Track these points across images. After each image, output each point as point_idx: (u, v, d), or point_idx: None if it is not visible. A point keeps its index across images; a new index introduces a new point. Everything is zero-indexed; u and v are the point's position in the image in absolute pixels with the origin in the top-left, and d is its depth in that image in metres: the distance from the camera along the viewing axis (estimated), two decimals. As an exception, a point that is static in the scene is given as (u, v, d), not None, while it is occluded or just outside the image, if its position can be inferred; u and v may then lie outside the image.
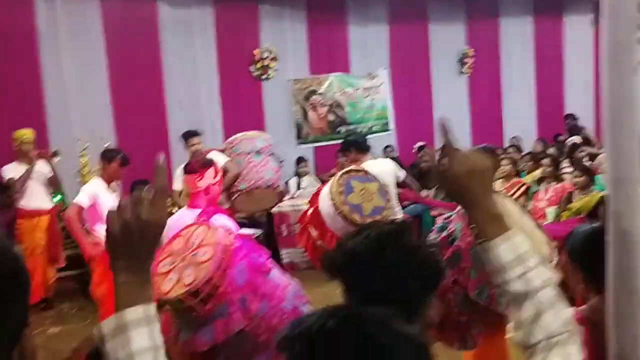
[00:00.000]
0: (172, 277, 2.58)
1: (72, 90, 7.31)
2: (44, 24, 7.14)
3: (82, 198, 4.63)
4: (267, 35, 8.49)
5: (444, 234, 2.70)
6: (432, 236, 2.76)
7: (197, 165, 3.36)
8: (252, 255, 2.80)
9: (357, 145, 5.16)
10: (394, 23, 9.36)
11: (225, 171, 5.41)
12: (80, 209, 4.61)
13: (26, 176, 5.71)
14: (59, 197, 6.55)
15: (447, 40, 9.84)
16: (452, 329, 2.66)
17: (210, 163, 3.35)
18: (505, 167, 6.55)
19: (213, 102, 8.21)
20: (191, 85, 8.03)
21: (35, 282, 5.78)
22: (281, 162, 6.37)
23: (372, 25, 9.25)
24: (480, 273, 2.50)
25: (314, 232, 4.12)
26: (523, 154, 7.63)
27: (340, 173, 3.89)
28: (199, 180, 3.23)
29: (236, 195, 5.50)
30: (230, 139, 5.91)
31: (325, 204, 3.84)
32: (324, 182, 8.25)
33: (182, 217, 3.30)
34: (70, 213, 4.65)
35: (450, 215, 2.87)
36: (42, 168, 5.88)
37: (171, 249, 2.75)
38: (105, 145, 6.47)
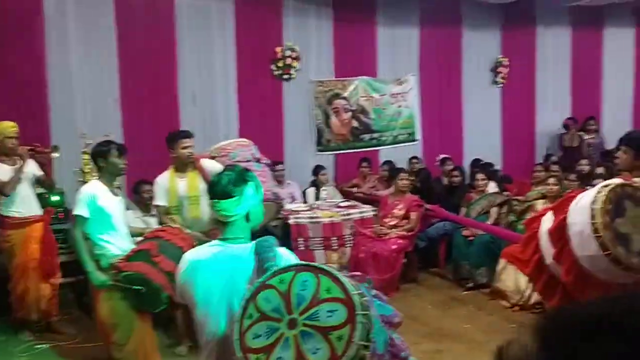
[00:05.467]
0: (283, 356, 1.85)
1: (79, 80, 6.75)
2: (52, 11, 6.60)
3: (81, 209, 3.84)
4: (290, 33, 7.90)
5: None
6: None
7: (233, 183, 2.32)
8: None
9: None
10: (425, 26, 8.75)
11: None
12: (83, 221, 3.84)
13: (16, 178, 4.89)
14: (56, 197, 5.98)
15: (481, 47, 9.22)
16: None
17: (247, 176, 2.33)
18: (553, 187, 5.92)
19: (230, 99, 7.61)
20: (207, 81, 7.45)
21: (29, 300, 5.03)
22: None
23: (402, 28, 8.64)
24: None
25: (548, 248, 3.25)
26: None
27: (612, 184, 3.00)
28: (237, 204, 2.28)
29: None
30: (221, 144, 5.23)
31: (579, 218, 3.01)
32: (345, 193, 7.79)
33: (224, 258, 2.27)
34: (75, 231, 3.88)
35: None
36: (30, 167, 5.04)
37: (259, 309, 1.95)
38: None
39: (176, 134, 4.83)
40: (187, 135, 4.80)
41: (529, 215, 6.25)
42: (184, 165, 4.73)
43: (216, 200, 2.29)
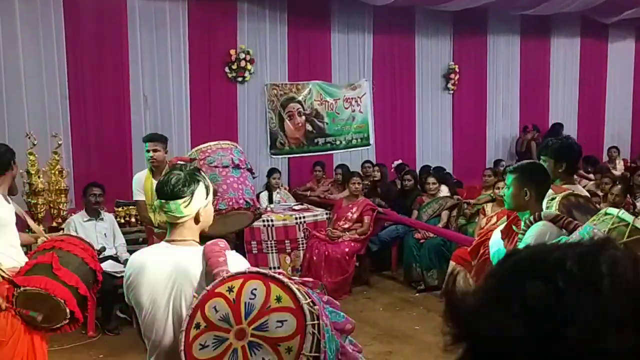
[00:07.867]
0: None
1: (27, 81, 6.53)
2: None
3: None
4: (244, 36, 7.87)
5: None
6: None
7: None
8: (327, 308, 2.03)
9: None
10: (378, 33, 8.85)
11: None
12: None
13: None
14: None
15: (433, 54, 9.40)
16: None
17: (197, 176, 2.27)
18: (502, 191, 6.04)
19: (182, 102, 7.51)
20: (159, 83, 7.33)
21: None
22: (254, 177, 5.41)
23: (356, 34, 8.72)
24: None
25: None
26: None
27: (558, 196, 2.90)
28: (186, 205, 2.20)
29: None
30: (202, 147, 4.99)
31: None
32: (299, 197, 7.76)
33: (171, 260, 2.19)
34: None
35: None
36: None
37: (206, 318, 1.90)
38: (60, 143, 5.84)
39: (145, 137, 4.83)
40: (151, 138, 4.71)
41: (478, 218, 6.41)
42: (156, 167, 4.59)
43: (164, 201, 2.20)
